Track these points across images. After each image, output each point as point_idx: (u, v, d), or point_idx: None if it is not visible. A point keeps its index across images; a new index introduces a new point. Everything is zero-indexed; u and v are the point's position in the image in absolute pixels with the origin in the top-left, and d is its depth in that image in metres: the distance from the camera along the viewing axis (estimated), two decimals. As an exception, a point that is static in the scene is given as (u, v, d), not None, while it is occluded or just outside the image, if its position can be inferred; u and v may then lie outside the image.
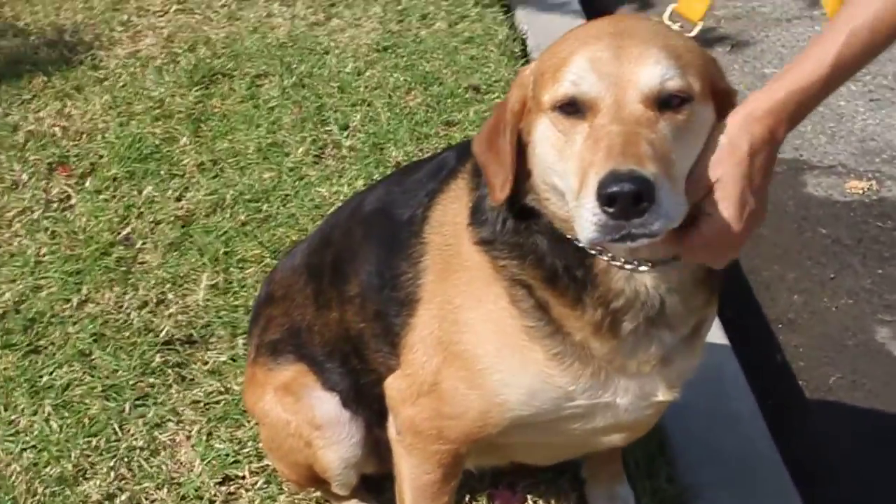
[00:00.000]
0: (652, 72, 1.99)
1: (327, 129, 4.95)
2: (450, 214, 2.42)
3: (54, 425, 3.38)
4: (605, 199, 1.87)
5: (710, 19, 6.43)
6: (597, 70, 2.01)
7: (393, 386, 2.56)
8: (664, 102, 2.00)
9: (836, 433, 3.75)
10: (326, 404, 2.86)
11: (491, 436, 2.46)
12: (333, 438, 2.87)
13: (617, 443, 2.61)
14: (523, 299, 2.27)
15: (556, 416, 2.37)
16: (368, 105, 5.15)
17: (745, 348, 3.93)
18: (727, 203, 2.05)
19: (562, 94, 2.03)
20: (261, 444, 3.26)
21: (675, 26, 2.25)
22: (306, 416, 2.87)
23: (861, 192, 5.00)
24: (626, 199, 1.86)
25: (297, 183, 4.55)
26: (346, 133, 4.91)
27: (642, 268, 2.16)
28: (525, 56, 5.72)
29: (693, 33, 2.24)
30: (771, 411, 3.62)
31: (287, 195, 4.47)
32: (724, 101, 2.12)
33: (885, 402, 3.86)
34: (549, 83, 2.08)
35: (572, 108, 2.03)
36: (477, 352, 2.35)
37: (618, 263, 2.16)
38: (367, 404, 2.78)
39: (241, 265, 4.06)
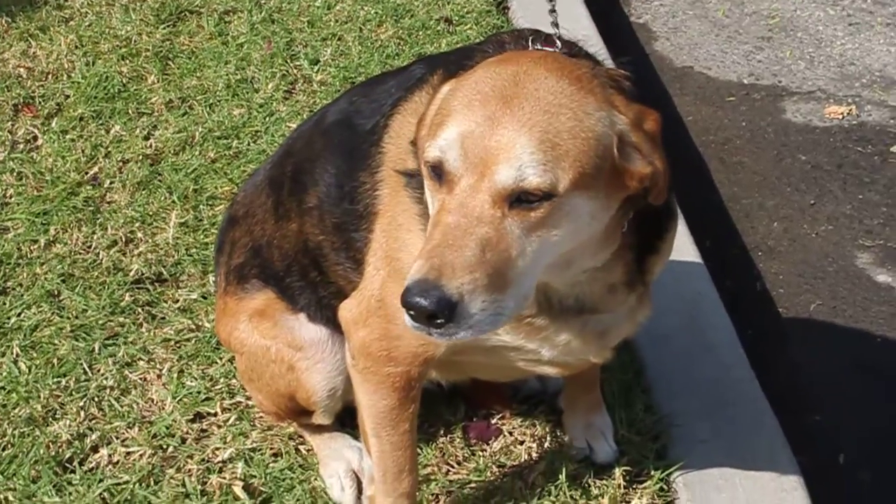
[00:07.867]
0: (508, 171, 1.90)
1: (297, 64, 4.87)
2: (407, 126, 2.37)
3: (23, 366, 3.33)
4: (405, 304, 1.87)
5: None
6: (464, 146, 1.94)
7: (346, 307, 2.53)
8: (519, 199, 1.91)
9: (815, 360, 3.72)
10: (304, 324, 2.81)
11: (436, 356, 2.44)
12: (317, 357, 2.81)
13: (556, 374, 2.63)
14: None
15: (487, 343, 2.36)
16: (339, 39, 5.07)
17: (724, 277, 3.89)
18: None
19: (431, 157, 1.99)
20: (233, 381, 3.23)
21: None
22: (286, 338, 2.81)
23: (840, 117, 4.95)
24: (420, 312, 1.86)
25: (267, 119, 4.48)
26: (316, 68, 4.83)
27: None
28: (498, -15, 5.62)
29: None
30: (750, 339, 3.59)
31: (257, 131, 4.40)
32: (644, 179, 2.02)
33: (865, 327, 3.83)
34: (429, 133, 2.04)
35: (437, 171, 1.99)
36: None
37: None
38: (330, 318, 2.72)
39: (210, 202, 3.99)
